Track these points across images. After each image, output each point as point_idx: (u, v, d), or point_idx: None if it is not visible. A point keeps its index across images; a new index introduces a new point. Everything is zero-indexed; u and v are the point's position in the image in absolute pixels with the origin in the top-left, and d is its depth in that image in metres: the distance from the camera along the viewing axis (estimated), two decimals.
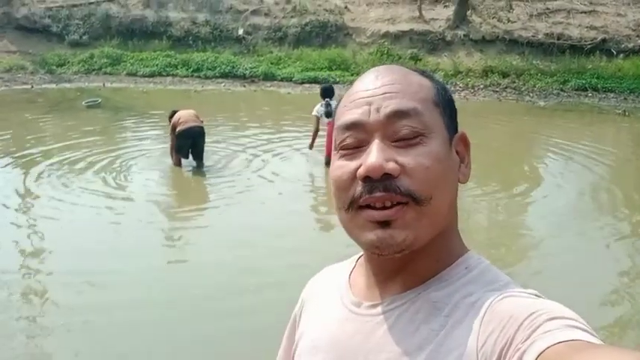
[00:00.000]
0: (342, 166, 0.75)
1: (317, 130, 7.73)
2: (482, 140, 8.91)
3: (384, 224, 0.71)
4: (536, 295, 0.70)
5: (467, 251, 0.79)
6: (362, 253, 0.87)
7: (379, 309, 0.77)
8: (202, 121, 7.94)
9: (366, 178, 0.71)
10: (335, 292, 0.86)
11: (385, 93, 0.74)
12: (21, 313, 4.11)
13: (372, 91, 0.75)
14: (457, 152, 0.78)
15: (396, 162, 0.71)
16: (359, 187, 0.72)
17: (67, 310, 4.12)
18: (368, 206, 0.72)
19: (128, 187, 7.11)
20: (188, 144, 7.76)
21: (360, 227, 0.73)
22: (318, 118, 7.65)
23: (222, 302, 4.21)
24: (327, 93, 7.73)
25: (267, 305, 4.00)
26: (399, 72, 0.78)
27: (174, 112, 8.01)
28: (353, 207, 0.73)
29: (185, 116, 7.77)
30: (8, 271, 4.75)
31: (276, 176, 7.58)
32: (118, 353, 3.61)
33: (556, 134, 10.51)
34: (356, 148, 0.74)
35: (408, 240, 0.71)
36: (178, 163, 7.94)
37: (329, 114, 7.27)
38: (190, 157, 7.91)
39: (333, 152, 0.79)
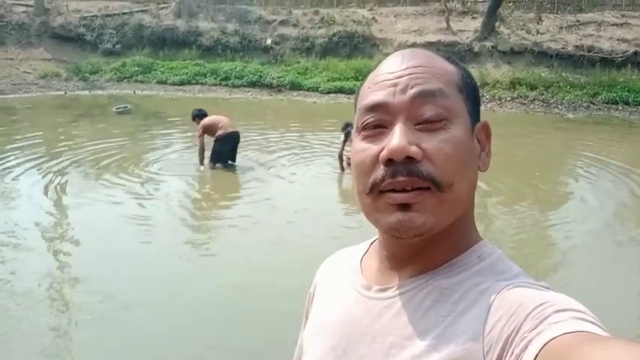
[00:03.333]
0: (365, 149, 0.74)
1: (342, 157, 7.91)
2: (508, 153, 8.81)
3: (405, 207, 0.71)
4: (546, 288, 0.69)
5: (480, 240, 0.79)
6: (375, 238, 0.88)
7: (389, 293, 0.77)
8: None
9: (389, 161, 0.70)
10: (346, 275, 0.87)
11: (411, 74, 0.74)
12: (43, 318, 4.21)
13: (398, 72, 0.74)
14: (478, 140, 0.78)
15: (419, 146, 0.70)
16: (381, 171, 0.71)
17: (89, 317, 4.20)
18: (389, 191, 0.72)
19: (155, 192, 7.23)
20: (228, 149, 8.07)
21: (381, 210, 0.73)
22: (345, 143, 7.81)
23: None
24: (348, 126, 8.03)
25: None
26: (425, 55, 0.77)
27: (199, 113, 8.23)
28: (374, 191, 0.73)
29: (224, 121, 8.06)
30: (38, 272, 4.87)
31: (300, 181, 7.64)
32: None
33: (585, 148, 10.33)
34: (378, 128, 0.74)
35: (428, 224, 0.71)
36: (213, 167, 8.13)
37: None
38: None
39: (355, 134, 0.79)
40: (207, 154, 8.12)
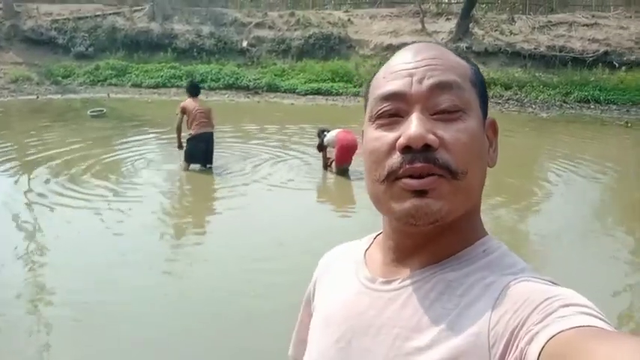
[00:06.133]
0: (380, 137, 0.74)
1: (327, 159, 8.16)
2: None
3: (421, 193, 0.71)
4: (552, 282, 0.70)
5: (486, 234, 0.80)
6: (378, 232, 0.88)
7: (394, 285, 0.77)
8: (213, 125, 8.14)
9: (406, 149, 0.70)
10: (350, 268, 0.87)
11: (427, 65, 0.74)
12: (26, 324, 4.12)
13: (414, 63, 0.75)
14: (487, 137, 0.79)
15: (436, 135, 0.71)
16: (398, 158, 0.71)
17: (70, 319, 4.12)
18: (405, 177, 0.72)
19: (132, 194, 7.13)
20: (201, 149, 7.95)
21: (396, 197, 0.72)
22: (326, 148, 8.06)
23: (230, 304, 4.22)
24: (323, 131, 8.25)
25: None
26: (438, 49, 0.78)
27: (192, 86, 8.18)
28: (390, 178, 0.72)
29: (201, 120, 7.89)
30: (9, 284, 4.76)
31: (283, 184, 7.62)
32: None
33: (559, 146, 10.53)
34: (393, 117, 0.74)
35: (444, 210, 0.71)
36: (187, 167, 8.06)
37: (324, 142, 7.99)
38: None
39: (367, 123, 0.78)
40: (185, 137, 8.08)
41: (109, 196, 7.01)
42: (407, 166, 0.71)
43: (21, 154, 9.17)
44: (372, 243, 0.89)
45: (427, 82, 0.73)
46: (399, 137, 0.72)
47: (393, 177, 0.72)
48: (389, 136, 0.73)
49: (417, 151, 0.70)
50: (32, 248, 5.45)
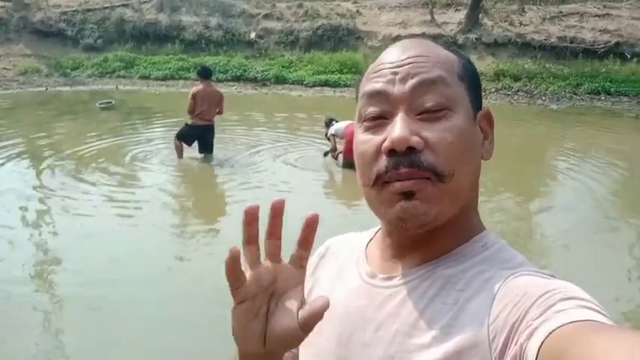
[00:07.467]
0: (367, 141, 0.74)
1: (335, 149, 8.12)
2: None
3: (408, 195, 0.71)
4: (551, 276, 0.70)
5: (484, 229, 0.80)
6: (380, 226, 0.87)
7: (394, 281, 0.77)
8: (219, 112, 8.24)
9: (391, 152, 0.71)
10: (352, 261, 0.87)
11: (411, 64, 0.74)
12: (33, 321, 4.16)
13: (398, 62, 0.75)
14: (480, 129, 0.78)
15: (420, 136, 0.71)
16: (384, 162, 0.72)
17: (79, 316, 4.16)
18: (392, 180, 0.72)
19: (139, 186, 7.17)
20: (195, 135, 8.14)
21: (386, 202, 0.73)
22: (334, 137, 8.04)
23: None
24: (332, 120, 8.35)
25: None
26: (426, 45, 0.77)
27: (203, 71, 8.29)
28: (379, 182, 0.73)
29: (205, 111, 8.00)
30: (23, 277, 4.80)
31: (289, 173, 7.62)
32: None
33: (569, 138, 10.45)
34: (379, 119, 0.74)
35: (431, 214, 0.71)
36: (179, 144, 8.15)
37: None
38: (197, 149, 8.30)
39: (357, 125, 0.78)
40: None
41: (117, 187, 7.05)
42: (392, 171, 0.71)
43: (30, 146, 9.23)
44: (374, 236, 0.89)
45: (410, 82, 0.73)
46: (385, 140, 0.71)
47: (381, 181, 0.72)
48: (375, 139, 0.73)
49: (402, 155, 0.70)
50: (40, 240, 5.49)
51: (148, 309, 4.09)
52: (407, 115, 0.72)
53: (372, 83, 0.76)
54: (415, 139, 0.70)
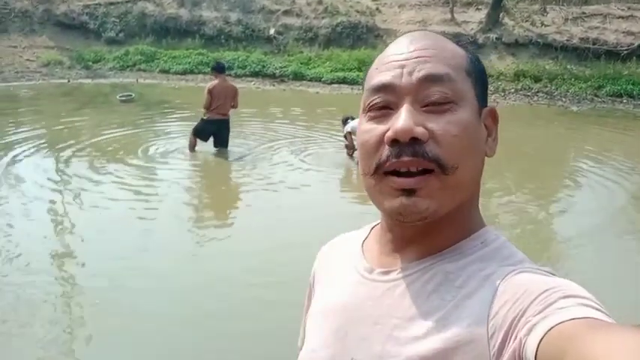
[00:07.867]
0: (370, 130, 0.74)
1: (352, 146, 8.07)
2: (511, 145, 8.78)
3: (409, 192, 0.71)
4: (551, 273, 0.70)
5: (485, 226, 0.79)
6: (376, 222, 0.88)
7: (392, 275, 0.77)
8: (234, 105, 8.33)
9: (394, 142, 0.70)
10: (348, 259, 0.87)
11: (419, 57, 0.73)
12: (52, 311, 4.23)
13: (406, 54, 0.74)
14: (485, 126, 0.77)
15: (425, 127, 0.70)
16: (386, 152, 0.71)
17: (97, 308, 4.23)
18: (393, 173, 0.72)
19: (156, 179, 7.24)
20: (210, 130, 8.25)
21: (385, 194, 0.73)
22: (350, 134, 8.02)
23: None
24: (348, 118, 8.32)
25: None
26: (434, 38, 0.77)
27: (218, 66, 8.43)
28: (378, 172, 0.73)
29: (221, 105, 8.10)
30: (39, 259, 4.89)
31: (307, 170, 7.64)
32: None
33: (589, 141, 10.31)
34: (384, 109, 0.74)
35: (431, 209, 0.71)
36: (193, 140, 8.25)
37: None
38: (212, 144, 8.40)
39: (361, 115, 0.78)
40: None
41: (134, 179, 7.13)
42: (393, 159, 0.71)
43: (52, 137, 9.37)
44: (369, 233, 0.89)
45: (417, 75, 0.72)
46: (388, 130, 0.71)
47: (381, 171, 0.72)
48: (379, 128, 0.73)
49: (405, 145, 0.70)
50: (55, 232, 5.57)
51: (162, 303, 4.14)
52: (412, 106, 0.71)
53: (378, 76, 0.75)
54: (420, 129, 0.70)
